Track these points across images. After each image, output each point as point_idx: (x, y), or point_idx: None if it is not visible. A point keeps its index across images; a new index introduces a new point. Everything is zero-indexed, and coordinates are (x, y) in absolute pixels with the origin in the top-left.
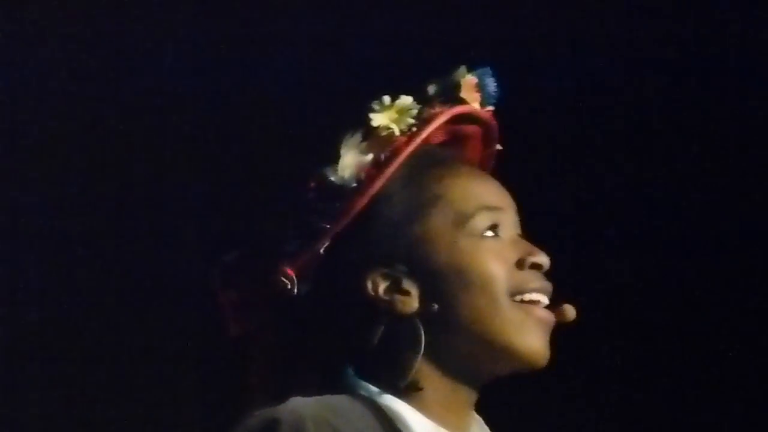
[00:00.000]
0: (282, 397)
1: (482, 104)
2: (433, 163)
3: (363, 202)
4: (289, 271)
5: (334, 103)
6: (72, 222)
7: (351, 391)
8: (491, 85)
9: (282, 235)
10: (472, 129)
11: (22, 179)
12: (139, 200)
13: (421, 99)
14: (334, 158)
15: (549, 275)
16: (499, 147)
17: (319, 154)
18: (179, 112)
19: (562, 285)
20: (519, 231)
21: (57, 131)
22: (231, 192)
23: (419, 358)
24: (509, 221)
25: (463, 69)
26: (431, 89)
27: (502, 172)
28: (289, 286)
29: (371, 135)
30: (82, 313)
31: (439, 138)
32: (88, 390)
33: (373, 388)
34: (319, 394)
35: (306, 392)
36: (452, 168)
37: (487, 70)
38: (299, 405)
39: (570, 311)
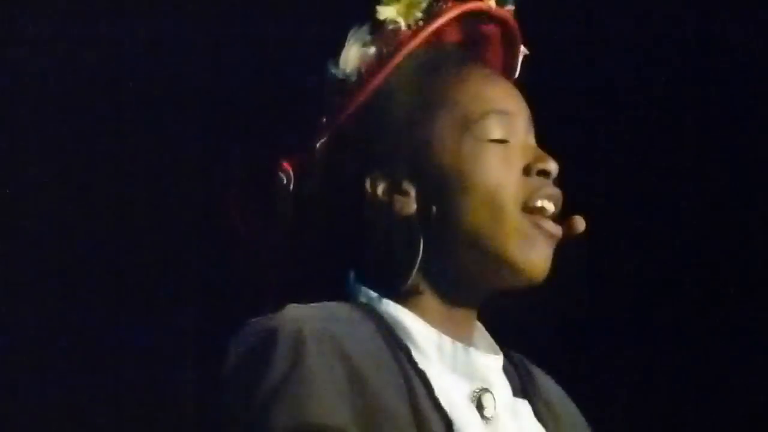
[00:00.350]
0: (283, 303)
1: (500, 2)
2: (443, 61)
3: (363, 97)
4: (286, 166)
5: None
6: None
7: (352, 296)
8: None
9: (281, 129)
10: (490, 29)
11: None
12: (139, 99)
13: None
14: (338, 51)
15: (559, 185)
16: (524, 51)
17: (330, 47)
18: None
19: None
20: (531, 138)
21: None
22: (235, 83)
23: (418, 261)
24: (520, 127)
25: None
26: None
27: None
28: (285, 182)
29: (378, 29)
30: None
31: (454, 37)
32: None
33: (373, 294)
34: (322, 299)
35: (309, 297)
36: (464, 68)
37: None
38: (297, 313)
39: (579, 223)
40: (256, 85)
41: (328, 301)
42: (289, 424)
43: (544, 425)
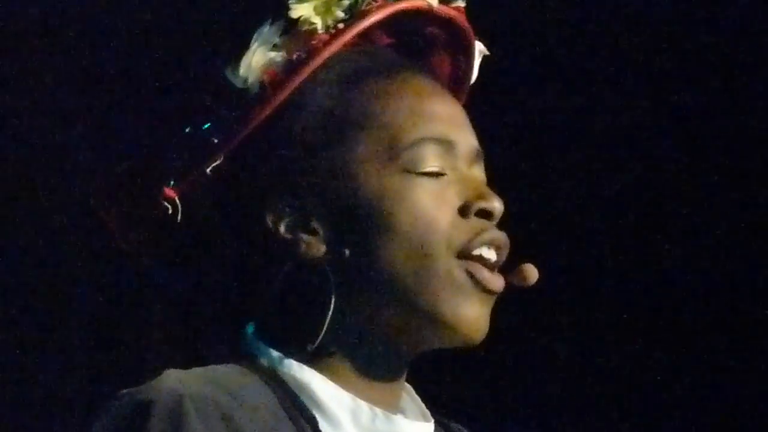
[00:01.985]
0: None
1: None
2: (370, 70)
3: (265, 113)
4: (170, 193)
5: None
6: None
7: (249, 354)
8: None
9: (165, 147)
10: (434, 31)
11: None
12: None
13: None
14: (240, 55)
15: (505, 227)
16: (482, 50)
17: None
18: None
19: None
20: (476, 170)
21: None
22: (125, 90)
23: (328, 316)
24: (461, 156)
25: None
26: None
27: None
28: (170, 212)
29: (290, 29)
30: None
31: (387, 40)
32: None
33: (275, 353)
34: (212, 355)
35: (199, 354)
36: (395, 80)
37: None
38: (176, 380)
39: (531, 272)
40: (142, 87)
41: (220, 360)
42: None
43: None
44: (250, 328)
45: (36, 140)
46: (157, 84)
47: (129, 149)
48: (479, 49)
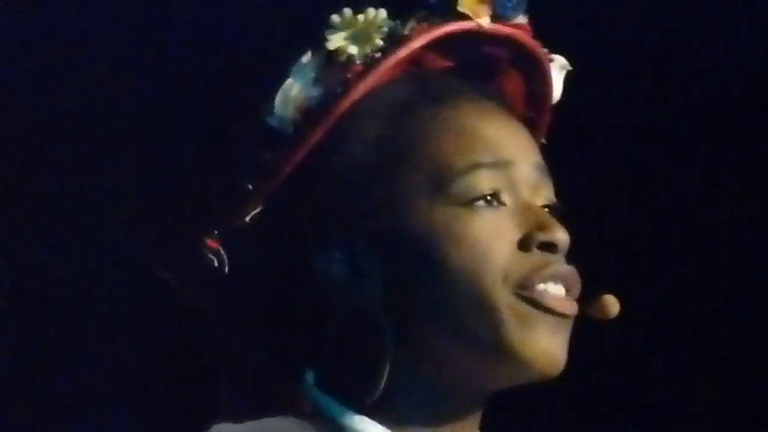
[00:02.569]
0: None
1: (497, 16)
2: (417, 98)
3: (300, 154)
4: (213, 245)
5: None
6: None
7: (309, 404)
8: None
9: (207, 197)
10: (496, 51)
11: None
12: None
13: (405, 13)
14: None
15: (573, 260)
16: (565, 66)
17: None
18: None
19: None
20: (541, 196)
21: None
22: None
23: (387, 366)
24: (521, 178)
25: None
26: None
27: None
28: (216, 264)
29: (329, 61)
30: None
31: (441, 62)
32: None
33: (335, 404)
34: (273, 407)
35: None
36: (447, 104)
37: None
38: None
39: (611, 304)
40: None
41: (278, 411)
42: None
43: None
44: (310, 378)
45: (79, 192)
46: (199, 127)
47: (168, 199)
48: (560, 64)
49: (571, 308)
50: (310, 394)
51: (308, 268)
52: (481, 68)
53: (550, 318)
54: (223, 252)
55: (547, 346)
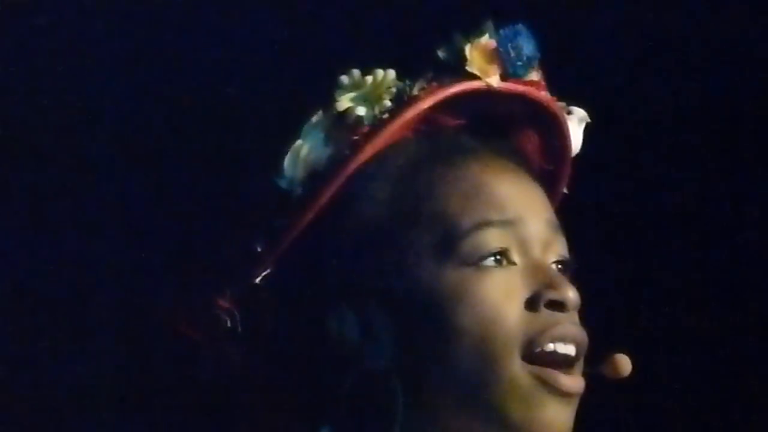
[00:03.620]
0: None
1: (508, 74)
2: (427, 157)
3: (308, 217)
4: (224, 305)
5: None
6: None
7: None
8: (524, 45)
9: (219, 258)
10: (511, 107)
11: None
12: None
13: (414, 72)
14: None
15: (584, 319)
16: (584, 118)
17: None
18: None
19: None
20: (553, 252)
21: None
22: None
23: (397, 426)
24: (531, 238)
25: (487, 29)
26: (440, 55)
27: None
28: (229, 324)
29: (338, 122)
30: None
31: (454, 120)
32: None
33: None
34: None
35: None
36: (454, 164)
37: (519, 28)
38: None
39: (623, 364)
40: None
41: None
42: None
43: None
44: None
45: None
46: (206, 187)
47: (182, 258)
48: (578, 116)
49: (578, 386)
50: None
51: (321, 328)
52: (495, 125)
53: (557, 396)
54: (236, 312)
55: (552, 422)
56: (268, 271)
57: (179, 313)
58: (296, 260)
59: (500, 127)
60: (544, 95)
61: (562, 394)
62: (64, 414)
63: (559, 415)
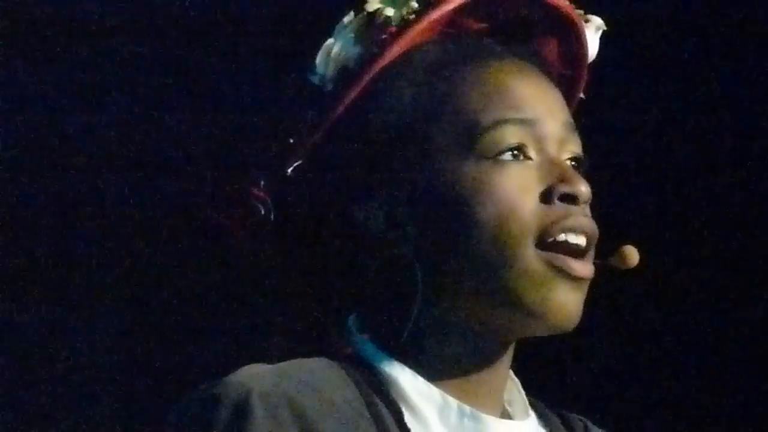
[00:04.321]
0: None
1: None
2: (451, 58)
3: (338, 111)
4: (259, 195)
5: None
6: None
7: (348, 346)
8: None
9: (254, 150)
10: (531, 12)
11: None
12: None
13: None
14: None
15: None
16: (599, 26)
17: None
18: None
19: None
20: (567, 151)
21: None
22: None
23: (414, 310)
24: (549, 138)
25: None
26: None
27: None
28: (262, 212)
29: (368, 23)
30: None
31: (476, 25)
32: None
33: (369, 346)
34: (317, 347)
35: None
36: (478, 64)
37: None
38: (248, 375)
39: (631, 254)
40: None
41: (316, 353)
42: None
43: None
44: (351, 322)
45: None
46: (244, 85)
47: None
48: (595, 24)
49: (588, 271)
50: (350, 338)
51: (348, 219)
52: (517, 30)
53: (567, 280)
54: (269, 201)
55: (563, 305)
56: (300, 162)
57: (216, 201)
58: (326, 153)
59: (521, 32)
60: (563, 2)
61: (573, 278)
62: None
63: (570, 298)
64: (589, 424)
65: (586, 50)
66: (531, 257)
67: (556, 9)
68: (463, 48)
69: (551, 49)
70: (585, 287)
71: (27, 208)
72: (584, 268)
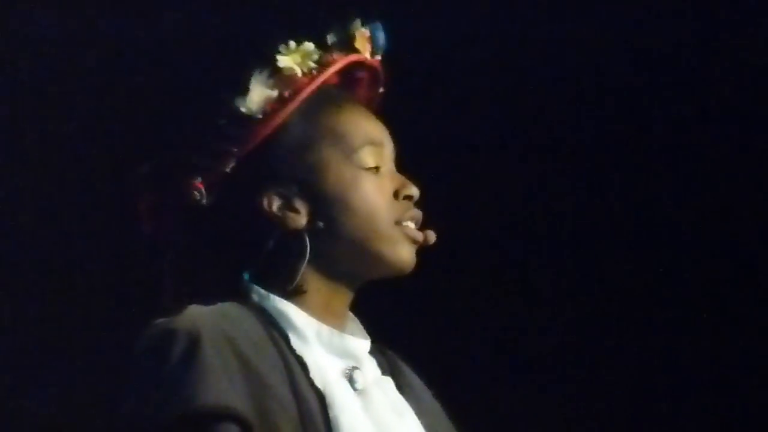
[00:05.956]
0: (186, 301)
1: (372, 54)
2: (328, 101)
3: (266, 131)
4: (199, 185)
5: (244, 45)
6: None
7: (245, 295)
8: (381, 37)
9: (195, 153)
10: (362, 74)
11: None
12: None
13: (321, 46)
14: (244, 91)
15: (419, 204)
16: (382, 90)
17: (230, 85)
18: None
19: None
20: (394, 166)
21: None
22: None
23: (304, 265)
24: (388, 156)
25: (357, 22)
26: (330, 38)
27: (388, 113)
28: (198, 198)
29: (277, 74)
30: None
31: (334, 80)
32: None
33: (263, 292)
34: (220, 297)
35: (209, 296)
36: (344, 106)
37: (378, 24)
38: (195, 314)
39: (430, 236)
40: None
41: (224, 297)
42: (188, 408)
43: (407, 400)
44: (246, 276)
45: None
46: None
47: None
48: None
49: (420, 236)
50: (246, 286)
51: (256, 204)
52: (352, 83)
53: (410, 243)
54: (204, 191)
55: (407, 256)
56: (233, 164)
57: (164, 186)
58: (249, 159)
59: (355, 84)
60: (378, 64)
61: (412, 240)
62: None
63: (411, 253)
64: (396, 355)
65: (378, 102)
66: (390, 230)
67: (378, 72)
68: (332, 95)
69: (364, 96)
70: (417, 246)
71: None
72: (419, 234)
